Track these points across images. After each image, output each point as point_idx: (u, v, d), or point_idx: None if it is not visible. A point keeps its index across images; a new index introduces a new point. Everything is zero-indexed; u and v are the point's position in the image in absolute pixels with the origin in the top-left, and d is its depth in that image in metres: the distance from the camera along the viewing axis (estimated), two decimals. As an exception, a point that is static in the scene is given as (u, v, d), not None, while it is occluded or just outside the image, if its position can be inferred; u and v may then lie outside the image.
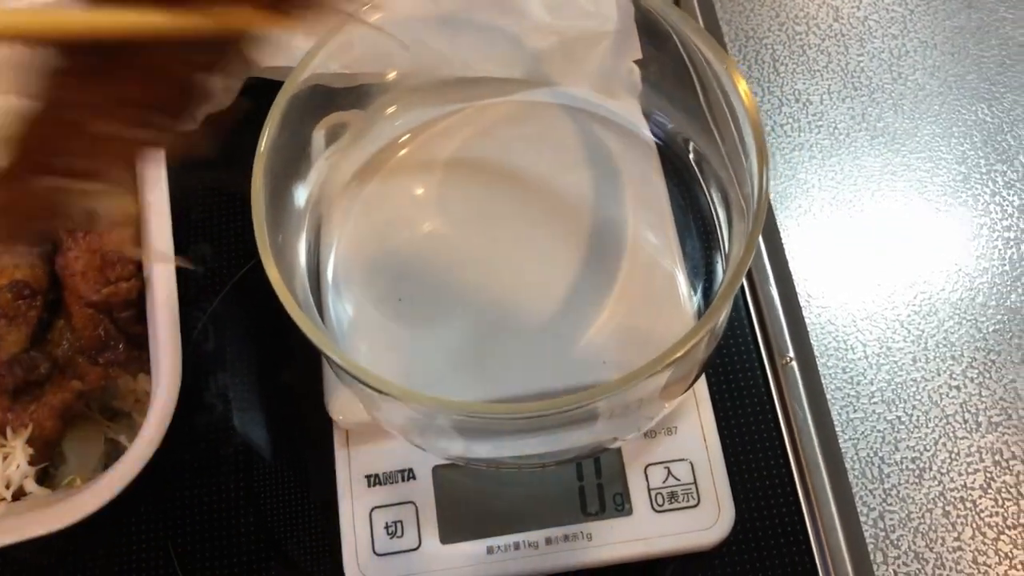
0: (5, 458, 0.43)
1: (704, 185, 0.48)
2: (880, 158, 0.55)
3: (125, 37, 0.22)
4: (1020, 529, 0.47)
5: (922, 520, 0.47)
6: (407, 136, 0.50)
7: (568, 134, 0.48)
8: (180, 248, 0.48)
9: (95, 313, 0.44)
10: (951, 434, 0.49)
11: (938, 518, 0.47)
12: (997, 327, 0.51)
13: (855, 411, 0.50)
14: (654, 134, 0.49)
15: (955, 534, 0.47)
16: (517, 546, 0.45)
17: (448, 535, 0.46)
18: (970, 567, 0.47)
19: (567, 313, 0.45)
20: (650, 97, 0.48)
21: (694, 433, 0.47)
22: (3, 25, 0.20)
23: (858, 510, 0.47)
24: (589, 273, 0.46)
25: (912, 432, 0.49)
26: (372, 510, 0.47)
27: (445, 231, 0.46)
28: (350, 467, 0.47)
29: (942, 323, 0.51)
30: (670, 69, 0.49)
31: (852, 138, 0.56)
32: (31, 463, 0.43)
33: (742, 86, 0.41)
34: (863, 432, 0.49)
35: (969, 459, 0.49)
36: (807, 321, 0.51)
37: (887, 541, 0.47)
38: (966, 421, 0.49)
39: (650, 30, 0.49)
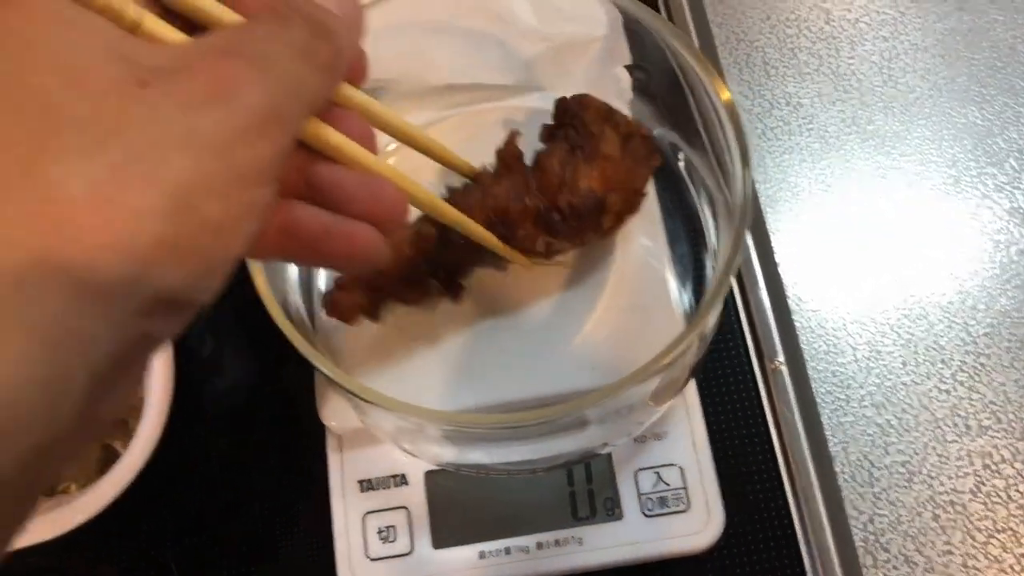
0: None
1: (693, 190, 0.49)
2: (871, 161, 0.55)
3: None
4: (1010, 533, 0.47)
5: (912, 524, 0.48)
6: (397, 144, 0.50)
7: (558, 141, 0.48)
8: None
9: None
10: (941, 438, 0.49)
11: (928, 522, 0.48)
12: (987, 331, 0.51)
13: (845, 415, 0.50)
14: (644, 139, 0.49)
15: (945, 538, 0.47)
16: (508, 551, 0.46)
17: (441, 540, 0.46)
18: (960, 571, 0.47)
19: (557, 317, 0.46)
20: (640, 103, 0.49)
21: (684, 438, 0.47)
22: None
23: (848, 513, 0.48)
24: (579, 277, 0.46)
25: (902, 436, 0.49)
26: (365, 515, 0.47)
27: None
28: (343, 472, 0.48)
29: (932, 326, 0.51)
30: (658, 76, 0.49)
31: (843, 141, 0.56)
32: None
33: (721, 90, 0.41)
34: (853, 436, 0.50)
35: (959, 463, 0.49)
36: (796, 325, 0.52)
37: (877, 544, 0.47)
38: (956, 425, 0.49)
39: (638, 38, 0.49)
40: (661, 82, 0.49)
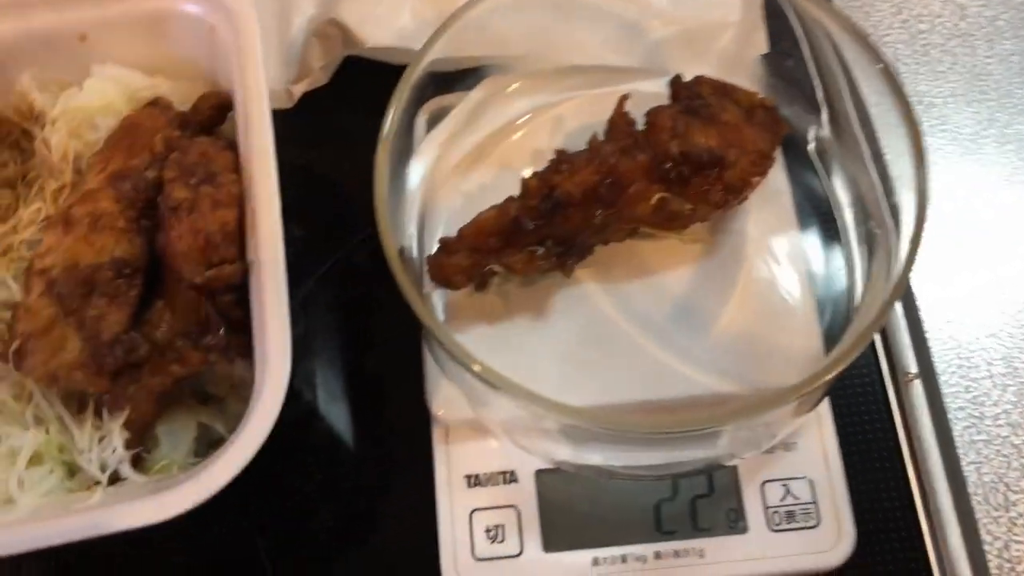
0: (101, 440, 0.42)
1: (827, 178, 0.46)
2: (1008, 166, 0.52)
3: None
4: None
5: (1051, 553, 0.45)
6: (518, 123, 0.48)
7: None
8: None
9: (196, 295, 0.42)
10: (1082, 463, 0.46)
11: (1068, 551, 0.45)
12: None
13: (978, 432, 0.47)
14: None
15: (1086, 569, 0.44)
16: (624, 559, 0.43)
17: (551, 543, 0.44)
18: (1100, 604, 0.44)
19: (683, 318, 0.43)
20: (779, 92, 0.46)
21: (814, 449, 0.44)
22: None
23: (981, 538, 0.45)
24: (707, 277, 0.44)
25: (1040, 458, 0.46)
26: (472, 512, 0.45)
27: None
28: (449, 465, 0.46)
29: (1075, 344, 0.48)
30: (799, 62, 0.47)
31: (978, 144, 0.53)
32: (127, 447, 0.42)
33: (900, 95, 0.38)
34: (987, 455, 0.47)
35: (1101, 490, 0.46)
36: (928, 337, 0.49)
37: (1012, 574, 0.44)
38: (1098, 449, 0.46)
39: (782, 23, 0.47)
40: (799, 69, 0.46)
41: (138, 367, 0.42)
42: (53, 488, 0.42)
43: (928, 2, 0.57)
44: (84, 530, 0.37)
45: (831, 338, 0.42)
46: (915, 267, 0.35)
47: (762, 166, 0.42)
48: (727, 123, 0.41)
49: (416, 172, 0.46)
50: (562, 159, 0.41)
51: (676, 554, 0.43)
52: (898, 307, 0.49)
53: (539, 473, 0.45)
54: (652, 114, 0.41)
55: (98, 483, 0.41)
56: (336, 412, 0.51)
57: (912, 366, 0.48)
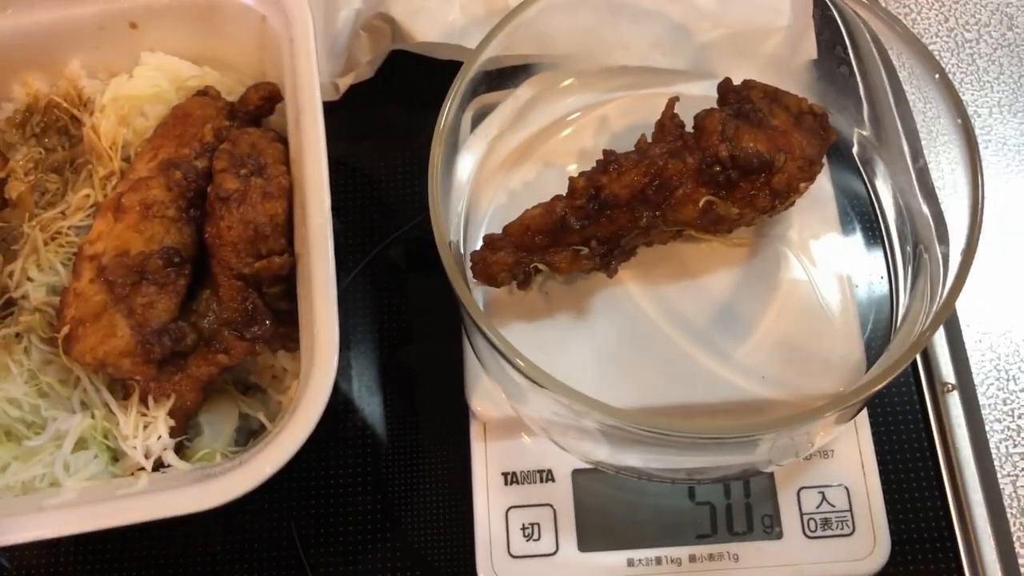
0: (146, 427, 0.42)
1: (871, 185, 0.46)
2: (1053, 179, 0.52)
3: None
4: None
5: (1086, 569, 0.45)
6: (564, 121, 0.48)
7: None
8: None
9: (243, 286, 0.43)
10: (1120, 480, 0.46)
11: (1102, 568, 0.45)
12: None
13: (1015, 445, 0.47)
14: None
15: (1120, 586, 0.44)
16: (659, 561, 0.44)
17: (587, 543, 0.44)
18: None
19: (724, 322, 0.43)
20: (819, 95, 0.46)
21: (851, 458, 0.44)
22: None
23: (1018, 553, 0.45)
24: (749, 281, 0.44)
25: (1077, 474, 0.46)
26: (508, 509, 0.45)
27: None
28: (487, 462, 0.46)
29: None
30: (847, 68, 0.47)
31: (1022, 155, 0.53)
32: (171, 435, 0.42)
33: (958, 105, 0.38)
34: (1023, 468, 0.47)
35: None
36: (967, 348, 0.49)
37: (1046, 587, 0.45)
38: None
39: (832, 28, 0.46)
40: (846, 73, 0.46)
41: (184, 356, 0.42)
42: (98, 473, 0.42)
43: (976, 11, 0.57)
44: (131, 515, 0.37)
45: (872, 346, 0.42)
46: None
47: (810, 172, 0.42)
48: (776, 128, 0.41)
49: (462, 168, 0.46)
50: (610, 159, 0.41)
51: (711, 557, 0.43)
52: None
53: (576, 473, 0.45)
54: (701, 117, 0.41)
55: (142, 469, 0.42)
56: (371, 405, 0.52)
57: (950, 377, 0.47)
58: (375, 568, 0.48)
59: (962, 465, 0.46)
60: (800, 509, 0.44)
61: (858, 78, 0.45)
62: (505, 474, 0.46)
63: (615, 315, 0.44)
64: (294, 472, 0.50)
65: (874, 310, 0.43)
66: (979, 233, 0.35)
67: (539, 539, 0.44)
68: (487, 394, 0.45)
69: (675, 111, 0.42)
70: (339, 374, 0.52)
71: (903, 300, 0.42)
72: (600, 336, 0.43)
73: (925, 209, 0.42)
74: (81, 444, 0.43)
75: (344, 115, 0.56)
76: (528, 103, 0.48)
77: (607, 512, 0.45)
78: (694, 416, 0.42)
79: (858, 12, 0.42)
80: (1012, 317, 0.50)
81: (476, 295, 0.44)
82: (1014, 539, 0.45)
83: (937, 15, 0.57)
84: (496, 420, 0.45)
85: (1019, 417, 0.48)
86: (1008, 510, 0.46)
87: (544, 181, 0.46)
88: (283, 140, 0.45)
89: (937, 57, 0.55)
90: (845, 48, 0.45)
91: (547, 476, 0.46)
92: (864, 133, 0.46)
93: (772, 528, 0.44)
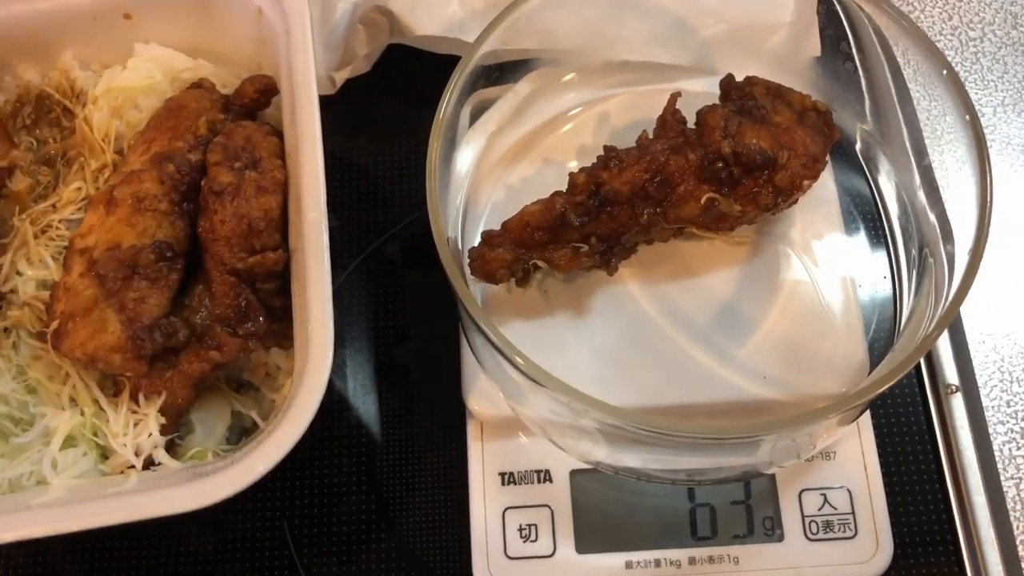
0: (136, 425, 0.41)
1: (873, 181, 0.45)
2: (1057, 179, 0.52)
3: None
4: None
5: (1090, 574, 0.44)
6: (564, 117, 0.48)
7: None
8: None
9: (237, 282, 0.42)
10: (1125, 483, 0.46)
11: (1107, 573, 0.44)
12: None
13: (1018, 447, 0.47)
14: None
15: (1124, 591, 0.44)
16: (658, 563, 0.43)
17: (585, 544, 0.44)
18: None
19: (725, 321, 0.42)
20: (822, 92, 0.45)
21: (853, 459, 0.44)
22: None
23: (1021, 557, 0.44)
24: (751, 280, 0.43)
25: (1081, 477, 0.46)
26: (505, 510, 0.44)
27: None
28: (483, 462, 0.45)
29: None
30: (852, 64, 0.46)
31: (1026, 155, 0.52)
32: (162, 432, 0.41)
33: (966, 102, 0.37)
34: (1027, 472, 0.46)
35: None
36: (970, 349, 0.48)
37: (1050, 591, 0.44)
38: None
39: (837, 24, 0.46)
40: (851, 71, 0.46)
41: (176, 352, 0.42)
42: (87, 471, 0.42)
43: (980, 9, 0.56)
44: (120, 515, 0.36)
45: (875, 346, 0.41)
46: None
47: (813, 169, 0.41)
48: (779, 125, 0.41)
49: (461, 164, 0.45)
50: (611, 155, 0.40)
51: (710, 560, 0.43)
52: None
53: (574, 473, 0.45)
54: (703, 113, 0.41)
55: (132, 467, 0.41)
56: (366, 403, 0.51)
57: (953, 379, 0.47)
58: (369, 569, 0.47)
59: (965, 467, 0.45)
60: (802, 511, 0.43)
61: (862, 75, 0.44)
62: (502, 474, 0.45)
63: (615, 313, 0.43)
64: (287, 471, 0.50)
65: (877, 310, 0.43)
66: (987, 233, 0.35)
67: (536, 540, 0.44)
68: (484, 393, 0.44)
69: (677, 107, 0.42)
70: (334, 372, 0.51)
71: (907, 300, 0.42)
72: (600, 335, 0.43)
73: (929, 208, 0.41)
74: (70, 441, 0.42)
75: (340, 109, 0.55)
76: (528, 98, 0.47)
77: (605, 513, 0.44)
78: (694, 416, 0.41)
79: (863, 7, 0.42)
80: (1016, 318, 0.49)
81: (474, 292, 0.43)
82: (1017, 542, 0.45)
83: (941, 13, 0.56)
84: (493, 419, 0.45)
85: (1023, 419, 0.47)
86: (1012, 513, 0.45)
87: (544, 177, 0.45)
88: (278, 134, 0.45)
89: (940, 55, 0.55)
90: (849, 44, 0.44)
91: (545, 476, 0.45)
92: (868, 130, 0.45)
93: (773, 530, 0.43)
